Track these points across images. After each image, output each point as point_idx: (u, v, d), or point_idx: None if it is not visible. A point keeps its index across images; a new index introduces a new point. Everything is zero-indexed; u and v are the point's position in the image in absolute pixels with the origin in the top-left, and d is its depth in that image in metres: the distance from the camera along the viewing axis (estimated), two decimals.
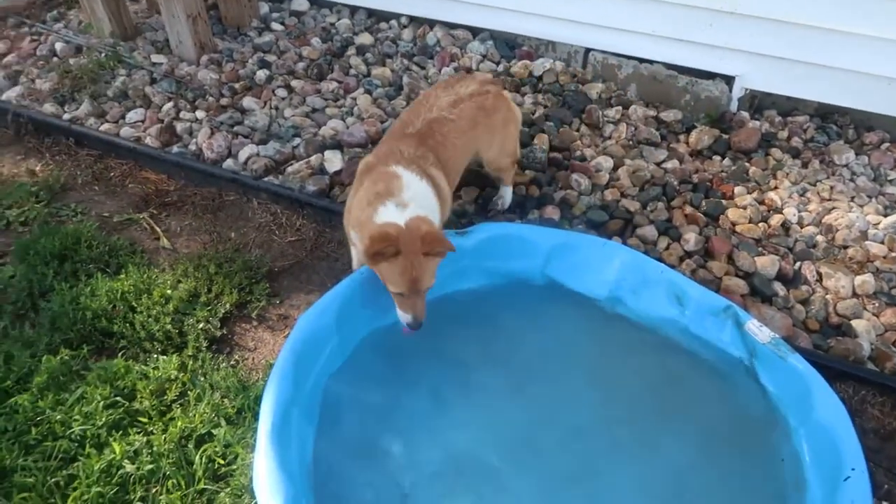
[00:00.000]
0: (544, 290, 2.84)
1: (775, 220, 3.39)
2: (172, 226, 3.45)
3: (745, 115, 4.11)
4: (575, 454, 2.32)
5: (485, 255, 2.81)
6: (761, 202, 3.52)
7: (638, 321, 2.72)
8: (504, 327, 2.73)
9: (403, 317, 2.37)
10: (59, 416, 2.37)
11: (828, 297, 3.02)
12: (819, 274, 3.12)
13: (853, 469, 2.03)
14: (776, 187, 3.64)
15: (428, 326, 2.38)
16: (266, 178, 3.60)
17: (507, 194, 3.41)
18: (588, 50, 4.46)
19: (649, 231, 3.29)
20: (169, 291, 2.92)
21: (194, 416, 2.41)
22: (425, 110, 2.84)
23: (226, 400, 2.50)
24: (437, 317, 2.41)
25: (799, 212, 3.46)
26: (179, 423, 2.37)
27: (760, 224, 3.38)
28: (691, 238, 3.22)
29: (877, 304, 2.99)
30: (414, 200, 2.40)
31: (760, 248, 3.24)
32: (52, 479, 2.22)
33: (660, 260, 2.99)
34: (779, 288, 3.03)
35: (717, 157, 3.87)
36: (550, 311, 2.80)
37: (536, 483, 2.24)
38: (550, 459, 2.30)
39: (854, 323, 2.89)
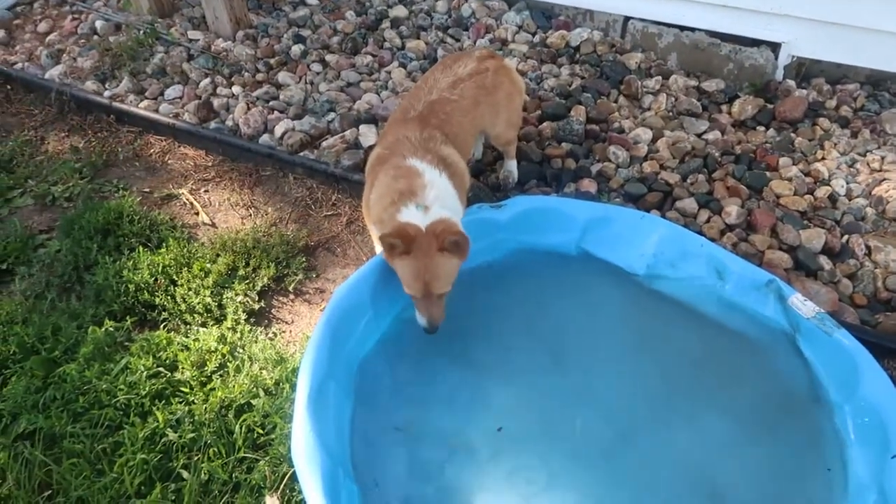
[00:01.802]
0: (581, 264, 2.81)
1: (822, 191, 3.28)
2: (211, 201, 3.50)
3: (792, 83, 3.96)
4: (613, 428, 2.30)
5: (520, 229, 2.78)
6: (807, 174, 3.40)
7: (677, 295, 2.67)
8: (540, 301, 2.71)
9: (419, 319, 2.36)
10: (104, 386, 2.45)
11: (877, 271, 2.91)
12: (868, 247, 3.01)
13: None
14: (823, 158, 3.50)
15: (463, 300, 2.37)
16: (301, 153, 3.61)
17: (513, 168, 3.37)
18: (627, 18, 4.33)
19: (689, 204, 3.21)
20: (208, 265, 2.97)
21: (234, 386, 2.46)
22: (425, 93, 2.79)
23: (264, 371, 2.54)
24: (472, 290, 2.41)
25: (847, 183, 3.33)
26: (220, 394, 2.43)
27: (806, 196, 3.27)
28: (733, 211, 3.13)
29: None
30: (437, 200, 2.34)
31: (806, 221, 3.14)
32: (99, 446, 2.30)
33: (700, 233, 2.92)
34: (824, 262, 2.93)
35: (760, 128, 3.74)
36: (587, 285, 2.77)
37: (573, 456, 2.24)
38: (588, 433, 2.29)
39: None
